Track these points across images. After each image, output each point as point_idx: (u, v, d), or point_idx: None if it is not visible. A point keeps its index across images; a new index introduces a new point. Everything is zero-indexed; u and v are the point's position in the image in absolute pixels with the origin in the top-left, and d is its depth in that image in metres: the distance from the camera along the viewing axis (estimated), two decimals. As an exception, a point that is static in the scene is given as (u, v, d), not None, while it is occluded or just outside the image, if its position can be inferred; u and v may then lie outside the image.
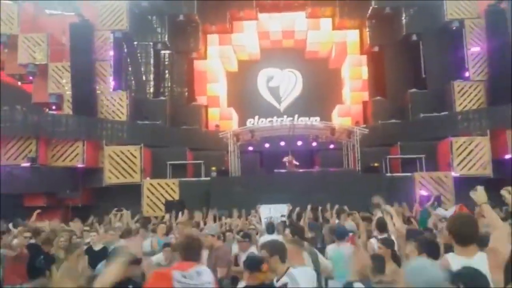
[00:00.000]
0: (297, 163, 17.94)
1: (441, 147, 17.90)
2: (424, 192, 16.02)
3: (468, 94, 18.81)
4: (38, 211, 9.28)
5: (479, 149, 16.84)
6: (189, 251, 3.52)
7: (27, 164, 16.18)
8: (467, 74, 19.25)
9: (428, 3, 20.09)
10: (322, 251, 6.12)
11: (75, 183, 17.10)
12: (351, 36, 23.76)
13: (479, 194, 3.40)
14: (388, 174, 17.26)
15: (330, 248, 6.05)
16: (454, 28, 19.59)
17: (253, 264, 3.45)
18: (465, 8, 19.45)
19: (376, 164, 17.63)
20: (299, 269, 3.81)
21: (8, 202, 13.64)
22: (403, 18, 20.99)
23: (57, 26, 20.37)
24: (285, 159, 17.80)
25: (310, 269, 4.10)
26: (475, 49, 19.24)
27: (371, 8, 21.18)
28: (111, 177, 17.03)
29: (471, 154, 16.83)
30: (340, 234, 5.94)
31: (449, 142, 17.13)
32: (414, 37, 20.74)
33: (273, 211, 12.55)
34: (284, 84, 24.15)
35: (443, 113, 19.00)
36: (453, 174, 16.65)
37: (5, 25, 19.74)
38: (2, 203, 12.86)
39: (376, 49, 22.40)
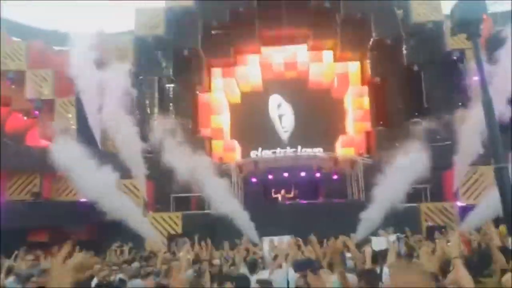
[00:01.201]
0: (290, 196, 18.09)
1: (446, 176, 17.79)
2: (430, 223, 15.84)
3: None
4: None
5: (485, 178, 16.70)
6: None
7: (31, 199, 16.23)
8: (469, 103, 19.28)
9: (428, 34, 20.36)
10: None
11: (79, 217, 17.03)
12: (353, 67, 24.07)
13: (452, 246, 3.30)
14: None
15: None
16: (455, 57, 19.78)
17: None
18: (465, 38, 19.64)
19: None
20: None
21: (11, 238, 13.58)
22: (404, 48, 21.24)
23: (65, 61, 20.77)
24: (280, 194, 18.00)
25: None
26: (477, 78, 19.30)
27: (372, 39, 21.49)
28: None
29: (477, 183, 16.70)
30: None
31: (454, 171, 17.03)
32: (416, 67, 20.94)
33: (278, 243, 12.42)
34: (286, 115, 24.33)
35: (447, 143, 18.94)
36: (459, 203, 16.50)
37: (13, 61, 20.20)
38: (5, 239, 12.81)
39: (377, 79, 22.61)
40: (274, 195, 18.15)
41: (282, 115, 24.32)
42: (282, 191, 18.07)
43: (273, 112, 24.34)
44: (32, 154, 17.05)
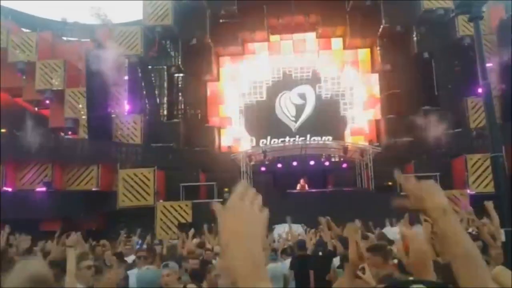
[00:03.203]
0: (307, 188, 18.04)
1: (456, 164, 17.66)
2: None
3: (482, 111, 18.56)
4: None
5: (495, 166, 16.54)
6: None
7: (43, 189, 16.43)
8: (480, 90, 19.02)
9: (439, 21, 20.07)
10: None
11: (90, 206, 17.26)
12: (363, 55, 23.83)
13: None
14: (403, 193, 16.95)
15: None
16: (466, 44, 19.47)
17: None
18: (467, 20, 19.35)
19: (389, 183, 17.40)
20: None
21: (23, 227, 13.78)
22: (414, 36, 20.99)
23: (74, 52, 20.93)
24: (299, 185, 17.95)
25: None
26: (487, 65, 19.02)
27: (381, 27, 21.23)
28: (124, 200, 17.18)
29: (487, 171, 16.53)
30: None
31: (463, 159, 16.91)
32: (426, 55, 20.70)
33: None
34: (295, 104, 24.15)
35: (457, 130, 18.79)
36: (469, 191, 16.39)
37: (23, 53, 20.36)
38: (17, 229, 13.00)
39: (387, 67, 22.36)
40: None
41: (297, 104, 24.06)
42: (302, 181, 18.08)
43: (296, 100, 24.00)
44: (43, 144, 17.23)
